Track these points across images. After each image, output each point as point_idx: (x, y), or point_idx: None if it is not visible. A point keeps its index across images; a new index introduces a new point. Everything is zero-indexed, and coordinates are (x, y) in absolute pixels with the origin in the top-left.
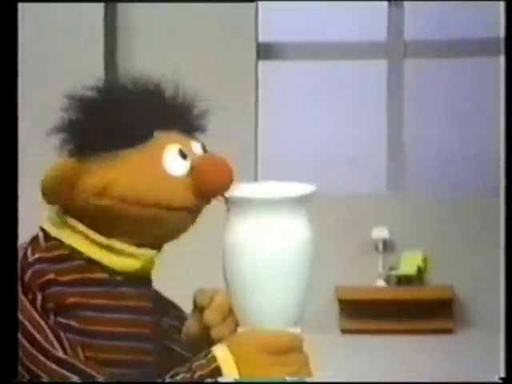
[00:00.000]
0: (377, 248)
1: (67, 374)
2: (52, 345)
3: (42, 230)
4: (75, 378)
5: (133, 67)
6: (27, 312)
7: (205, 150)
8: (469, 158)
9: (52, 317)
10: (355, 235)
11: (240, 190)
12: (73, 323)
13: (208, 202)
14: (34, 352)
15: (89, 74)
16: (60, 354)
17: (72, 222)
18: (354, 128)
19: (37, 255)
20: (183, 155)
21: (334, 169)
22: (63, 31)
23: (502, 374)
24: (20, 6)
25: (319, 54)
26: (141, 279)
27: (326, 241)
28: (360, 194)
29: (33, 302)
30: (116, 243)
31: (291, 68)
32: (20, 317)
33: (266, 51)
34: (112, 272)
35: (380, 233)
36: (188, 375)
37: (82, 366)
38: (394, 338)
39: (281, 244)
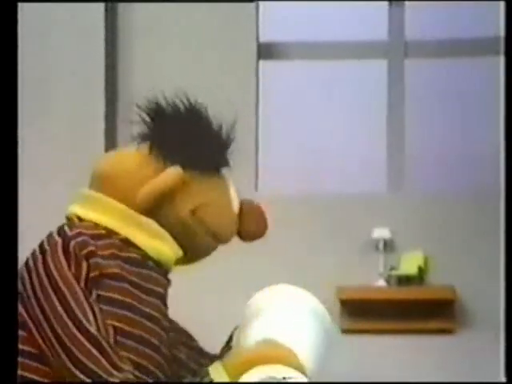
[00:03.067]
0: (377, 248)
1: (93, 350)
2: (87, 318)
3: (70, 217)
4: (99, 357)
5: (133, 67)
6: (68, 282)
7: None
8: (470, 158)
9: (94, 290)
10: (356, 235)
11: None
12: (109, 294)
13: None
14: (68, 320)
15: (89, 74)
16: (92, 328)
17: (109, 201)
18: (354, 128)
19: (77, 230)
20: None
21: (335, 169)
22: (64, 31)
23: (503, 374)
24: (21, 5)
25: (319, 53)
26: (165, 272)
27: (326, 241)
28: (361, 194)
29: (77, 272)
30: (153, 224)
31: (292, 67)
32: (61, 284)
33: (266, 51)
34: (144, 255)
35: (381, 233)
36: None
37: (108, 349)
38: (394, 338)
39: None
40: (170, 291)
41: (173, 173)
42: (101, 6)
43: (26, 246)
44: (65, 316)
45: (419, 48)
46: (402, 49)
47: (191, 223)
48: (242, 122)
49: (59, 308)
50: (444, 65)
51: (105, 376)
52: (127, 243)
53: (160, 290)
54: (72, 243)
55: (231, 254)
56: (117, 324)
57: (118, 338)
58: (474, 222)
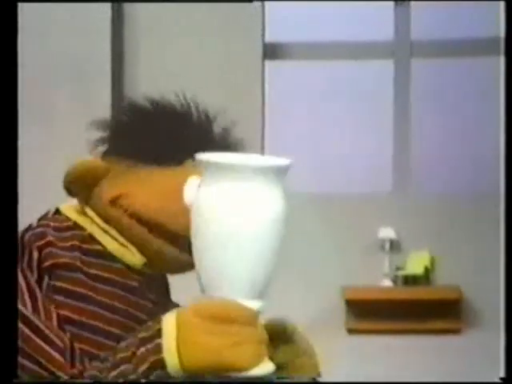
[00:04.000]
0: (383, 248)
1: (25, 330)
2: (23, 301)
3: (57, 209)
4: (31, 335)
5: (139, 66)
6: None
7: None
8: (476, 159)
9: (46, 277)
10: (361, 235)
11: (218, 156)
12: (63, 284)
13: None
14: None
15: (95, 73)
16: (25, 310)
17: (90, 213)
18: (360, 127)
19: (42, 222)
20: None
21: (340, 168)
22: (70, 31)
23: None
24: (26, 5)
25: (325, 53)
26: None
27: (332, 240)
28: (366, 194)
29: (26, 261)
30: (113, 230)
31: (297, 68)
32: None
33: (272, 51)
34: (109, 252)
35: (386, 233)
36: (132, 339)
37: (41, 325)
38: (400, 339)
39: (251, 213)
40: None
41: (86, 161)
42: (107, 6)
43: None
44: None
45: (425, 48)
46: (408, 49)
47: (118, 215)
48: (248, 122)
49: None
50: (450, 64)
51: (39, 356)
52: (93, 238)
53: (128, 281)
54: (27, 234)
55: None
56: (69, 314)
57: (71, 328)
58: (479, 222)
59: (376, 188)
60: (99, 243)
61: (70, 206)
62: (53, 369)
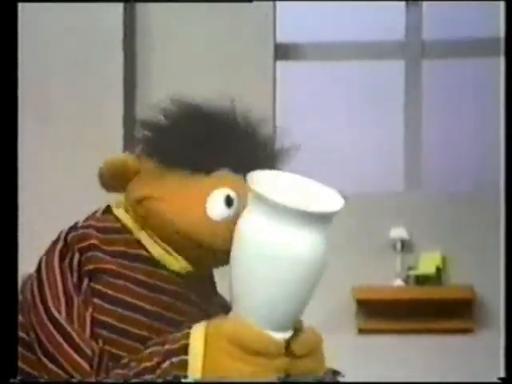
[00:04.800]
0: (395, 248)
1: (55, 332)
2: (58, 304)
3: (107, 207)
4: (60, 340)
5: (151, 69)
6: (52, 271)
7: None
8: (488, 157)
9: (86, 280)
10: (373, 235)
11: (267, 184)
12: (103, 288)
13: None
14: (39, 305)
15: (107, 75)
16: (59, 315)
17: (131, 213)
18: (371, 127)
19: (87, 222)
20: (228, 203)
21: (352, 168)
22: (82, 33)
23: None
24: (38, 7)
25: (337, 54)
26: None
27: (343, 240)
28: (378, 193)
29: (67, 263)
30: (161, 244)
31: (309, 68)
32: (43, 275)
33: (283, 52)
34: (154, 257)
35: (398, 232)
36: (158, 348)
37: (72, 332)
38: (412, 338)
39: (292, 254)
40: None
41: (117, 157)
42: (120, 8)
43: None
44: (39, 303)
45: (436, 48)
46: (419, 49)
47: (144, 214)
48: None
49: (37, 297)
50: (461, 65)
51: (70, 367)
52: (139, 242)
53: (171, 287)
54: (71, 235)
55: None
56: (106, 319)
57: (107, 332)
58: (491, 221)
59: (388, 188)
60: (144, 248)
61: (119, 205)
62: (78, 376)
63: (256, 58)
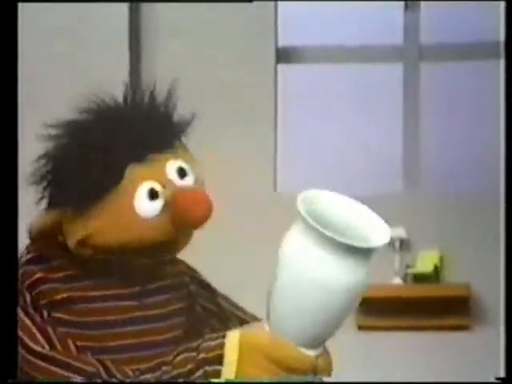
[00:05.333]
0: (393, 247)
1: (53, 368)
2: (36, 341)
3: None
4: (61, 372)
5: (156, 67)
6: (19, 313)
7: (182, 173)
8: (485, 158)
9: (45, 313)
10: None
11: (316, 207)
12: (66, 317)
13: (192, 230)
14: (22, 351)
15: (114, 76)
16: (43, 350)
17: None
18: (370, 129)
19: (29, 256)
20: (153, 195)
21: (352, 169)
22: (87, 34)
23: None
24: (42, 8)
25: (336, 57)
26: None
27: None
28: (377, 194)
29: (23, 303)
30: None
31: (309, 71)
32: (18, 317)
33: (284, 55)
34: None
35: (397, 232)
36: (192, 354)
37: (66, 359)
38: (410, 335)
39: (331, 282)
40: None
41: (36, 219)
42: (125, 8)
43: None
44: (20, 348)
45: (434, 51)
46: (417, 52)
47: (92, 252)
48: (261, 124)
49: (21, 349)
50: (458, 67)
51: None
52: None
53: (123, 291)
54: (19, 272)
55: (246, 252)
56: (80, 343)
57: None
58: (488, 221)
59: (387, 188)
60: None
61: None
62: None
63: (258, 61)
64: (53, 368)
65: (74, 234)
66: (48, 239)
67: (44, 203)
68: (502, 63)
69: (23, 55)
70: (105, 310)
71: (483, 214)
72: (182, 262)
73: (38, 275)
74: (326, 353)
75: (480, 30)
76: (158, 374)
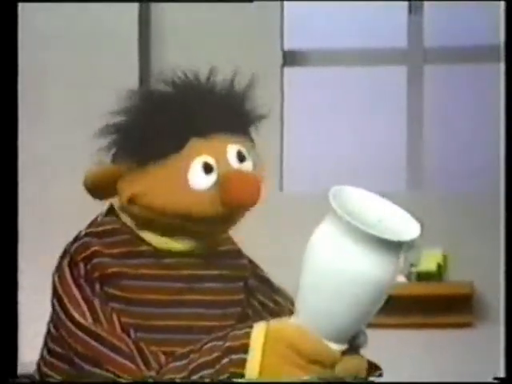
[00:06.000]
0: None
1: (91, 341)
2: (81, 313)
3: (110, 207)
4: (97, 346)
5: (166, 67)
6: (66, 284)
7: (241, 157)
8: (487, 158)
9: (97, 286)
10: None
11: (347, 202)
12: (116, 292)
13: (239, 211)
14: (66, 320)
15: (123, 75)
16: (86, 322)
17: (126, 220)
18: (375, 131)
19: (88, 230)
20: (208, 169)
21: (357, 170)
22: (96, 35)
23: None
24: (51, 6)
25: (342, 60)
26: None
27: None
28: (381, 193)
29: (77, 274)
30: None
31: (315, 74)
32: (60, 290)
33: (290, 58)
34: (157, 249)
35: None
36: (219, 343)
37: (106, 335)
38: (414, 332)
39: (360, 275)
40: None
41: (95, 169)
42: (135, 7)
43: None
44: (63, 317)
45: (438, 54)
46: (421, 55)
47: (139, 211)
48: (267, 126)
49: (60, 312)
50: (462, 70)
51: (110, 367)
52: (141, 239)
53: (180, 271)
54: (74, 247)
55: (251, 252)
56: (128, 320)
57: (138, 334)
58: (490, 220)
59: (391, 188)
60: (146, 243)
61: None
62: (126, 377)
63: (264, 64)
64: (91, 341)
65: (125, 192)
66: (103, 190)
67: (106, 157)
68: (503, 66)
69: (35, 52)
70: (156, 290)
71: (485, 214)
72: (245, 257)
73: (94, 248)
74: (359, 356)
75: (484, 33)
76: (184, 361)
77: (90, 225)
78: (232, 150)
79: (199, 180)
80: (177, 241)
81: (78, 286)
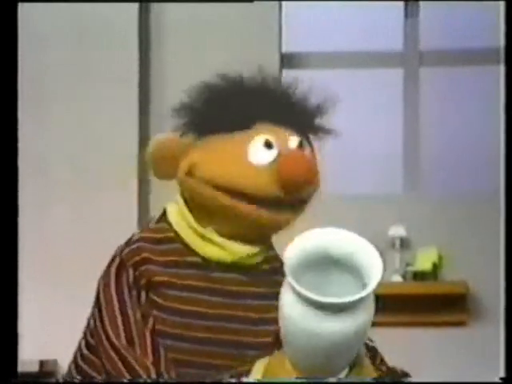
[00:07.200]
0: (394, 245)
1: (118, 363)
2: (117, 334)
3: (163, 212)
4: (124, 371)
5: (165, 70)
6: (109, 293)
7: (301, 145)
8: (483, 159)
9: (143, 293)
10: (373, 233)
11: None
12: (160, 301)
13: (291, 196)
14: (100, 331)
15: (122, 79)
16: (119, 343)
17: (182, 208)
18: (371, 132)
19: (141, 235)
20: (268, 146)
21: (354, 171)
22: (96, 31)
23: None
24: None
25: (339, 63)
26: (240, 267)
27: None
28: (378, 194)
29: (125, 279)
30: (209, 233)
31: (312, 76)
32: (101, 298)
33: (288, 60)
34: (206, 259)
35: (397, 231)
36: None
37: (134, 364)
38: (409, 330)
39: (323, 333)
40: None
41: (160, 138)
42: (135, 6)
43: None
44: (100, 328)
45: (434, 57)
46: (417, 58)
47: (194, 184)
48: None
49: (97, 319)
50: (458, 73)
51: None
52: (190, 248)
53: (225, 287)
54: (126, 251)
55: None
56: (166, 329)
57: (170, 342)
58: (487, 220)
59: (387, 189)
60: (197, 254)
61: (173, 207)
62: None
63: (263, 66)
64: (116, 358)
65: (187, 163)
66: (165, 161)
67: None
68: (501, 68)
69: (35, 52)
70: (198, 302)
71: (480, 214)
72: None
73: (145, 254)
74: (362, 370)
75: (480, 36)
76: None
77: (143, 230)
78: (294, 138)
79: (259, 154)
80: (226, 249)
81: (119, 295)
